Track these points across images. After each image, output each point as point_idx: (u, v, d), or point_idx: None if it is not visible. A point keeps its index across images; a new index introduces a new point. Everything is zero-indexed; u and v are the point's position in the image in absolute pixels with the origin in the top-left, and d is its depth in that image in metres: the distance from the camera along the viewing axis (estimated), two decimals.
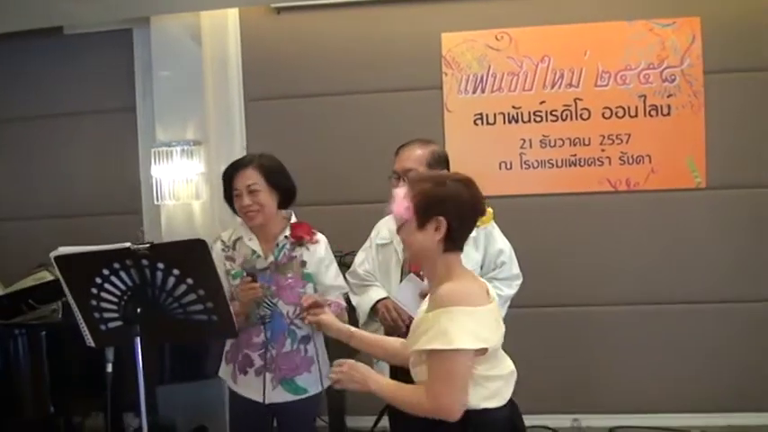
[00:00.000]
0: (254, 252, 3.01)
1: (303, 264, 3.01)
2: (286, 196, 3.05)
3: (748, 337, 4.67)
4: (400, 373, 3.11)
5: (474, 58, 4.74)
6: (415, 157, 3.07)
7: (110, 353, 2.59)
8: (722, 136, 4.64)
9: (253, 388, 3.00)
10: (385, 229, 3.21)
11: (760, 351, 4.65)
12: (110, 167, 5.01)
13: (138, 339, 2.43)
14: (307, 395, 3.03)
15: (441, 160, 3.11)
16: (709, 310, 4.69)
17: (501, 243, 3.10)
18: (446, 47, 4.76)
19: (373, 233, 3.26)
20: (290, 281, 2.98)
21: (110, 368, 2.59)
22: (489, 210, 2.99)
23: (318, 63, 4.85)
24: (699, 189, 4.67)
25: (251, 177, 2.97)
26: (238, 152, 4.82)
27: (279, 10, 4.85)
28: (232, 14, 4.88)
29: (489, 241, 3.07)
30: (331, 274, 3.08)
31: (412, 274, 2.98)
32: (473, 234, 2.98)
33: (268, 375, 2.97)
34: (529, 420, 4.78)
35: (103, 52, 5.01)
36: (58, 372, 3.48)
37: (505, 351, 2.33)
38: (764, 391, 4.64)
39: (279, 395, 3.00)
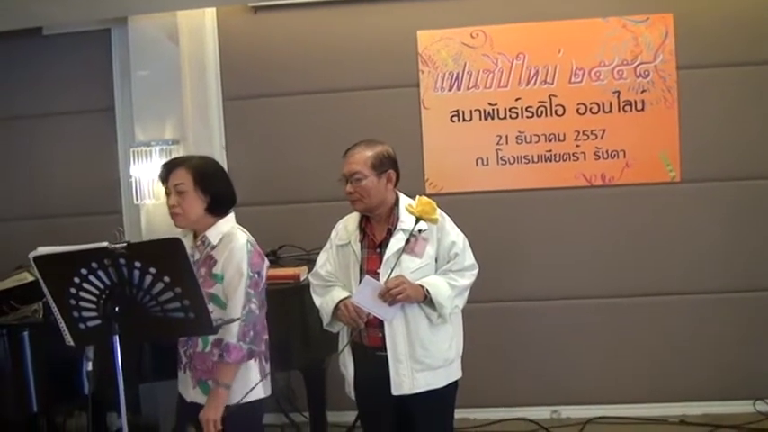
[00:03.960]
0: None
1: (214, 263, 2.88)
2: (216, 202, 2.92)
3: (723, 327, 4.74)
4: (359, 349, 3.15)
5: (449, 55, 4.78)
6: (360, 159, 3.06)
7: (89, 351, 2.62)
8: (696, 130, 4.69)
9: (181, 383, 3.02)
10: (343, 229, 3.21)
11: (735, 341, 4.73)
12: (89, 167, 5.02)
13: (117, 337, 2.46)
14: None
15: (387, 161, 3.09)
16: (683, 301, 4.76)
17: (453, 235, 3.09)
18: (422, 45, 4.80)
19: (333, 234, 3.24)
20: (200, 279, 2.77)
21: (90, 366, 2.62)
22: (432, 203, 2.99)
23: (295, 62, 4.87)
24: (674, 183, 4.73)
25: (180, 177, 2.89)
26: (217, 151, 4.85)
27: (256, 9, 4.87)
28: (209, 14, 4.89)
29: (442, 234, 3.06)
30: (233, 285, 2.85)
31: (368, 276, 2.97)
32: (425, 228, 3.02)
33: (189, 373, 2.95)
34: (508, 413, 4.90)
35: (82, 52, 5.01)
36: (41, 371, 3.49)
37: (483, 344, 2.31)
38: (740, 379, 4.72)
39: (198, 396, 2.91)
